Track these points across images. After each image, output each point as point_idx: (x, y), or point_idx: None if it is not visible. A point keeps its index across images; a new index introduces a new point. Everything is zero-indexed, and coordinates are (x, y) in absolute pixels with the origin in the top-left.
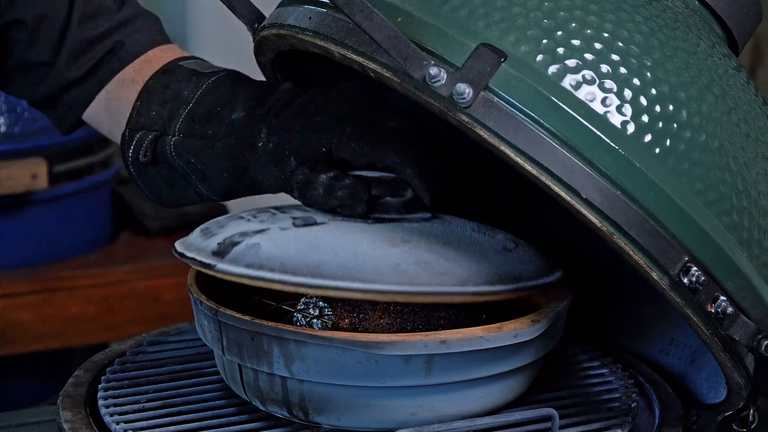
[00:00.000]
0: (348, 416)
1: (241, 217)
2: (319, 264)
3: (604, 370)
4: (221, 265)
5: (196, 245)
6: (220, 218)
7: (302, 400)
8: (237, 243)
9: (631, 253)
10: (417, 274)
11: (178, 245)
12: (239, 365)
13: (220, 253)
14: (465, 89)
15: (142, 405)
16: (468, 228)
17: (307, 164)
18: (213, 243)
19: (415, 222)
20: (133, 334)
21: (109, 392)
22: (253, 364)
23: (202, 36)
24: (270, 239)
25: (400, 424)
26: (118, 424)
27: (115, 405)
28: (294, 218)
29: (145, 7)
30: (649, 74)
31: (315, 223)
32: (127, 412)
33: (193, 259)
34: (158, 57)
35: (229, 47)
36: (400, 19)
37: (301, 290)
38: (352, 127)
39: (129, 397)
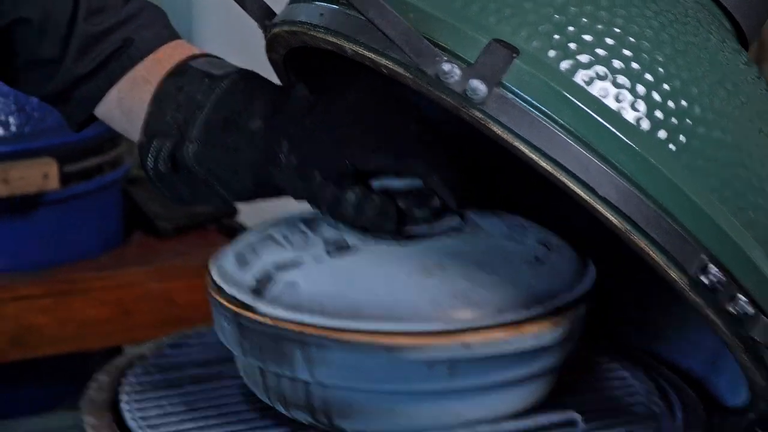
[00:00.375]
0: (372, 421)
1: (273, 239)
2: (359, 304)
3: (626, 374)
4: (263, 308)
5: (233, 278)
6: (251, 238)
7: (326, 405)
8: (273, 279)
9: (649, 251)
10: (454, 307)
11: (215, 275)
12: (261, 369)
13: (259, 291)
14: (478, 85)
15: (165, 410)
16: (498, 234)
17: (332, 179)
18: (250, 277)
19: (446, 235)
20: (148, 337)
21: (132, 396)
22: (275, 368)
23: (209, 31)
24: (307, 276)
25: (424, 428)
26: (142, 429)
27: (139, 409)
28: (326, 243)
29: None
30: (661, 69)
31: (347, 247)
32: (150, 417)
33: (233, 297)
34: (168, 54)
35: (235, 42)
36: (412, 15)
37: (344, 336)
38: (374, 137)
39: (152, 401)
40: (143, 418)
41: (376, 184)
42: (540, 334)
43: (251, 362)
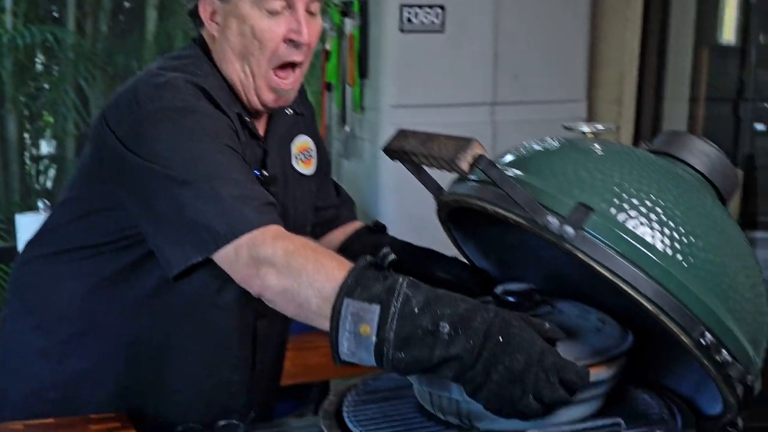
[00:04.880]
0: (495, 423)
1: None
2: None
3: (645, 396)
4: None
5: None
6: None
7: (468, 413)
8: None
9: (670, 325)
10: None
11: None
12: (429, 392)
13: None
14: (569, 230)
15: (369, 417)
16: (573, 315)
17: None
18: None
19: (544, 315)
20: (355, 374)
21: (350, 408)
22: (439, 391)
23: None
24: None
25: (527, 426)
26: (356, 426)
27: (354, 416)
28: None
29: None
30: (679, 219)
31: None
32: (361, 420)
33: None
34: (352, 226)
35: (406, 217)
36: (528, 189)
37: None
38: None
39: (362, 412)
40: (357, 422)
41: (500, 288)
42: (599, 372)
43: (424, 388)
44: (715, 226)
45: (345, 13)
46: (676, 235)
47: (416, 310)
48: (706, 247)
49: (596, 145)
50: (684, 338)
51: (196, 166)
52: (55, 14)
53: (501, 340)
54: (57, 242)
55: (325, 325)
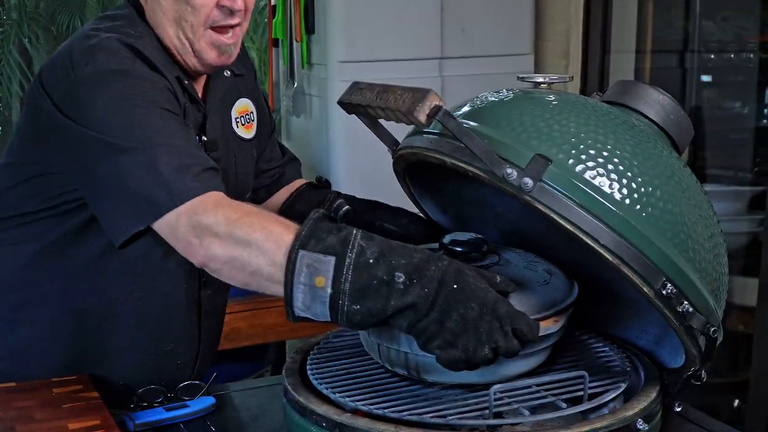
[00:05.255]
0: (444, 375)
1: None
2: None
3: (606, 348)
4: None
5: None
6: None
7: (417, 366)
8: None
9: (631, 276)
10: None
11: None
12: (378, 344)
13: None
14: (528, 181)
15: (334, 372)
16: (521, 266)
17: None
18: None
19: (492, 266)
20: (311, 335)
21: (314, 365)
22: (388, 343)
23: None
24: None
25: (477, 379)
26: (320, 383)
27: (318, 372)
28: None
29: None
30: (636, 170)
31: None
32: (324, 377)
33: None
34: (296, 184)
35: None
36: (487, 140)
37: None
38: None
39: (324, 368)
40: (320, 377)
41: (447, 238)
42: (549, 325)
43: (372, 340)
44: (673, 176)
45: None
46: (634, 185)
47: (371, 260)
48: (664, 197)
49: (551, 96)
50: (645, 289)
51: (134, 133)
52: None
53: (455, 287)
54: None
55: (278, 290)
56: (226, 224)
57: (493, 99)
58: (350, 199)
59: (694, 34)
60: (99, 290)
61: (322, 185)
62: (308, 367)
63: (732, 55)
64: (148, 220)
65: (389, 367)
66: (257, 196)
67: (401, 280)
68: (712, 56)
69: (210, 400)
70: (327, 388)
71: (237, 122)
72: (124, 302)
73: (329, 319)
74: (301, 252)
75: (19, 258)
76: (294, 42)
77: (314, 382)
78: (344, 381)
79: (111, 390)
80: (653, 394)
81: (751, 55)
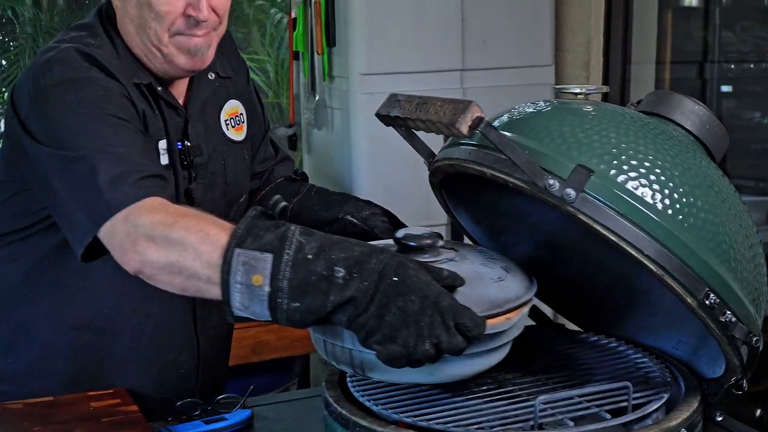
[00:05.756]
0: (390, 373)
1: None
2: None
3: (645, 359)
4: None
5: None
6: None
7: (361, 363)
8: None
9: (675, 286)
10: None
11: None
12: (324, 340)
13: None
14: (571, 192)
15: (374, 384)
16: (478, 262)
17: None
18: None
19: (446, 263)
20: None
21: (354, 378)
22: (332, 339)
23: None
24: None
25: (425, 378)
26: (362, 396)
27: (359, 385)
28: None
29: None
30: (677, 180)
31: None
32: (366, 389)
33: None
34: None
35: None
36: (527, 152)
37: None
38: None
39: (366, 381)
40: (361, 389)
41: (401, 232)
42: (497, 324)
43: (318, 336)
44: (713, 186)
45: None
46: (675, 195)
47: (310, 256)
48: (705, 207)
49: (589, 107)
50: (689, 299)
51: (79, 142)
52: None
53: (396, 280)
54: None
55: (217, 293)
56: (161, 228)
57: (531, 110)
58: (320, 191)
59: (713, 44)
60: (93, 305)
61: (299, 177)
62: (348, 379)
63: (752, 65)
64: (93, 231)
65: (336, 365)
66: (254, 198)
67: (341, 274)
68: (732, 66)
69: (247, 413)
70: (369, 400)
71: (227, 125)
72: (119, 315)
73: (269, 319)
74: (237, 250)
75: (14, 276)
76: (315, 55)
77: (356, 395)
78: (385, 393)
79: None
80: (695, 404)
81: None
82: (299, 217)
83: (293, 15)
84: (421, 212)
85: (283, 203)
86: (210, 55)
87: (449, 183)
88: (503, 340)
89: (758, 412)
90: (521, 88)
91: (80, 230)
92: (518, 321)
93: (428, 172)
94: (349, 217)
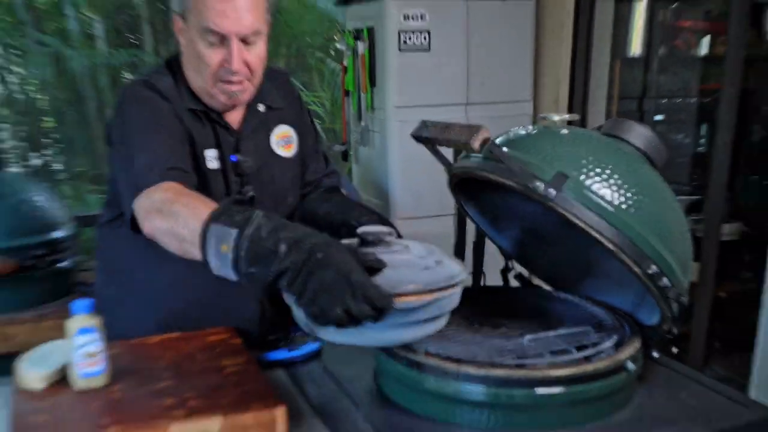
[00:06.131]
0: (330, 335)
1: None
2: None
3: (599, 311)
4: None
5: None
6: None
7: (308, 323)
8: None
9: (627, 260)
10: (393, 287)
11: None
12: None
13: None
14: (552, 191)
15: None
16: (416, 255)
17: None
18: None
19: (391, 252)
20: None
21: None
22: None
23: (397, 185)
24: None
25: (357, 341)
26: None
27: None
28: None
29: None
30: (629, 183)
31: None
32: None
33: None
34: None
35: (408, 189)
36: (520, 162)
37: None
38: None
39: None
40: None
41: (361, 229)
42: (408, 301)
43: (290, 302)
44: (655, 187)
45: (357, 38)
46: (627, 194)
47: (263, 234)
48: (649, 201)
49: (565, 130)
50: (636, 269)
51: (129, 142)
52: (134, 41)
53: (320, 256)
54: (112, 211)
55: (200, 255)
56: (167, 204)
57: (523, 132)
58: (340, 202)
59: (651, 85)
60: (168, 266)
61: (334, 189)
62: None
63: (678, 100)
64: (130, 206)
65: (301, 326)
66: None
67: (283, 249)
68: (664, 101)
69: (318, 344)
70: None
71: (277, 144)
72: (195, 279)
73: (236, 279)
74: (212, 225)
75: (132, 250)
76: (361, 93)
77: None
78: None
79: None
80: (637, 344)
81: (692, 100)
82: (320, 217)
83: (345, 64)
84: (437, 206)
85: (251, 194)
86: (245, 97)
87: (462, 185)
88: (423, 315)
89: (675, 350)
90: (508, 117)
91: (126, 205)
92: (435, 301)
93: (447, 177)
94: (353, 222)
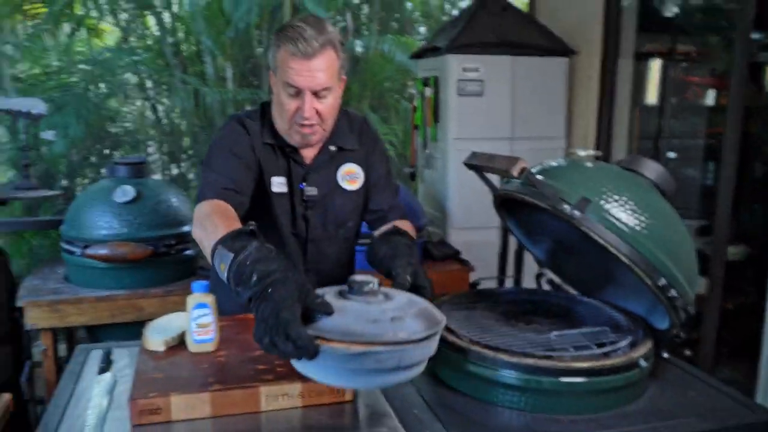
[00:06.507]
0: (299, 366)
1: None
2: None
3: (616, 315)
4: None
5: None
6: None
7: None
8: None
9: (639, 273)
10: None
11: None
12: None
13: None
14: (576, 213)
15: (460, 318)
16: (390, 306)
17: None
18: None
19: (368, 302)
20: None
21: (447, 312)
22: None
23: (455, 202)
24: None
25: (322, 380)
26: (451, 323)
27: (449, 316)
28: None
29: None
30: (643, 208)
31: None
32: (453, 319)
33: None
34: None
35: (463, 205)
36: (552, 188)
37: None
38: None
39: (453, 315)
40: (450, 318)
41: (351, 277)
42: (339, 348)
43: None
44: (664, 213)
45: (425, 84)
46: (641, 217)
47: (247, 262)
48: (660, 224)
49: (589, 163)
50: (647, 281)
51: (208, 163)
52: (255, 82)
53: (269, 292)
54: None
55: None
56: (204, 216)
57: (554, 164)
58: (395, 246)
59: (665, 127)
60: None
61: (398, 232)
62: (442, 312)
63: (689, 141)
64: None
65: None
66: (371, 227)
67: (254, 279)
68: (675, 141)
69: None
70: (456, 327)
71: (344, 179)
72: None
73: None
74: (219, 246)
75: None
76: (427, 127)
77: (448, 324)
78: (465, 323)
79: None
80: (649, 344)
81: (700, 142)
82: (379, 259)
83: (415, 104)
84: (485, 219)
85: (252, 227)
86: (315, 139)
87: (505, 204)
88: (367, 365)
89: (688, 352)
90: (545, 150)
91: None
92: (370, 353)
93: (492, 198)
94: (393, 271)
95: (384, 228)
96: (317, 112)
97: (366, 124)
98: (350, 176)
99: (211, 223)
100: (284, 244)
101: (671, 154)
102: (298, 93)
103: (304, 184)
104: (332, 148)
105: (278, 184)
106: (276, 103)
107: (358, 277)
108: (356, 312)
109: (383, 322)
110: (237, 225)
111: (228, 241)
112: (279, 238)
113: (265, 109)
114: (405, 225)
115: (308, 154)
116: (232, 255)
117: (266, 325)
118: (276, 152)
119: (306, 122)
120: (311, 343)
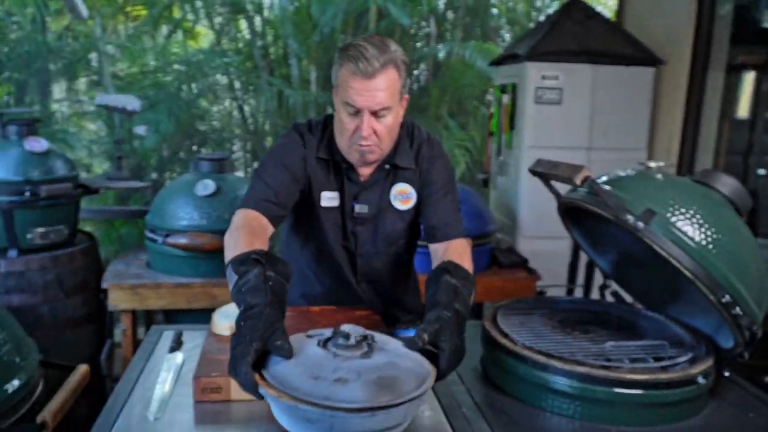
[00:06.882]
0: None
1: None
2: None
3: (680, 331)
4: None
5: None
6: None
7: None
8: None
9: (703, 289)
10: (290, 388)
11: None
12: None
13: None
14: (640, 224)
15: (515, 322)
16: (380, 363)
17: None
18: None
19: (363, 357)
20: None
21: (502, 316)
22: None
23: (526, 207)
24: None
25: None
26: (506, 328)
27: (505, 321)
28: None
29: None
30: (711, 223)
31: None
32: (508, 324)
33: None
34: (445, 245)
35: (534, 211)
36: (616, 198)
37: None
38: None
39: (509, 319)
40: (506, 323)
41: (341, 326)
42: (275, 395)
43: None
44: (736, 229)
45: (503, 91)
46: (708, 232)
47: (243, 289)
48: (728, 240)
49: (659, 175)
50: (711, 297)
51: (259, 169)
52: None
53: (241, 325)
54: None
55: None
56: (235, 227)
57: (621, 174)
58: (440, 287)
59: (756, 143)
60: (309, 258)
61: (447, 269)
62: (498, 317)
63: None
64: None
65: None
66: (426, 240)
67: (240, 308)
68: (767, 157)
69: None
70: (509, 331)
71: (396, 198)
72: (317, 264)
73: None
74: (230, 265)
75: (286, 238)
76: (502, 134)
77: (502, 327)
78: (520, 328)
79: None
80: (710, 362)
81: None
82: (427, 297)
83: (491, 111)
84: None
85: (256, 256)
86: (372, 157)
87: (570, 212)
88: (306, 417)
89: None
90: (624, 161)
91: None
92: (300, 409)
93: (557, 205)
94: (426, 314)
95: (437, 261)
96: (375, 132)
97: (427, 142)
98: (403, 196)
99: (236, 237)
100: (333, 254)
101: (761, 171)
102: (357, 112)
103: (355, 201)
104: (387, 166)
105: (328, 199)
106: (337, 120)
107: (345, 327)
108: (309, 363)
109: (324, 381)
110: (258, 243)
111: (237, 263)
112: (327, 248)
113: (327, 122)
114: (460, 252)
115: (364, 171)
116: (236, 278)
117: (233, 354)
118: (329, 167)
119: (364, 142)
120: (250, 383)
